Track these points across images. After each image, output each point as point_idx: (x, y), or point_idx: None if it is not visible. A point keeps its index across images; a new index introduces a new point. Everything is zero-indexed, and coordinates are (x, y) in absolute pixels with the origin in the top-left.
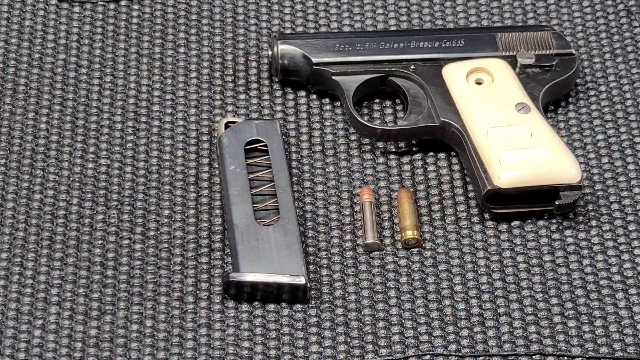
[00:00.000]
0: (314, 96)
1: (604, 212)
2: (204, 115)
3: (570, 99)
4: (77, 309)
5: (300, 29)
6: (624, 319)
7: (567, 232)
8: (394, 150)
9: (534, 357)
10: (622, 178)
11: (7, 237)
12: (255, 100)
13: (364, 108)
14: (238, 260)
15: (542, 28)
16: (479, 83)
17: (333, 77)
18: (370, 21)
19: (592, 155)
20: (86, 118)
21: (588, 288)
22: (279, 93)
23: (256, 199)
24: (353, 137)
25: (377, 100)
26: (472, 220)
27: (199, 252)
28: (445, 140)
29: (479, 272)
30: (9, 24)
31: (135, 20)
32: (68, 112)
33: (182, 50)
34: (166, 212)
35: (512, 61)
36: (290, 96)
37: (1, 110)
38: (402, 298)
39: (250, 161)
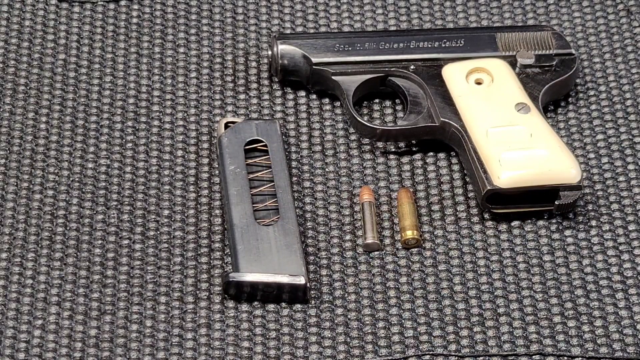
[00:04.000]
0: (314, 96)
1: (603, 212)
2: (204, 115)
3: (570, 99)
4: (77, 309)
5: (300, 29)
6: (624, 319)
7: (567, 232)
8: (394, 150)
9: (533, 357)
10: (622, 178)
11: (7, 237)
12: (255, 100)
13: (364, 108)
14: (238, 260)
15: (542, 28)
16: (478, 83)
17: (333, 77)
18: (370, 21)
19: (592, 155)
20: (86, 118)
21: (588, 288)
22: (278, 93)
23: (256, 199)
24: (353, 137)
25: (377, 100)
26: (472, 220)
27: (199, 252)
28: (445, 140)
29: (478, 272)
30: (9, 24)
31: (135, 20)
32: (68, 112)
33: (182, 50)
34: (166, 212)
35: (512, 61)
36: (290, 96)
37: (1, 110)
38: (402, 298)
39: (250, 161)
